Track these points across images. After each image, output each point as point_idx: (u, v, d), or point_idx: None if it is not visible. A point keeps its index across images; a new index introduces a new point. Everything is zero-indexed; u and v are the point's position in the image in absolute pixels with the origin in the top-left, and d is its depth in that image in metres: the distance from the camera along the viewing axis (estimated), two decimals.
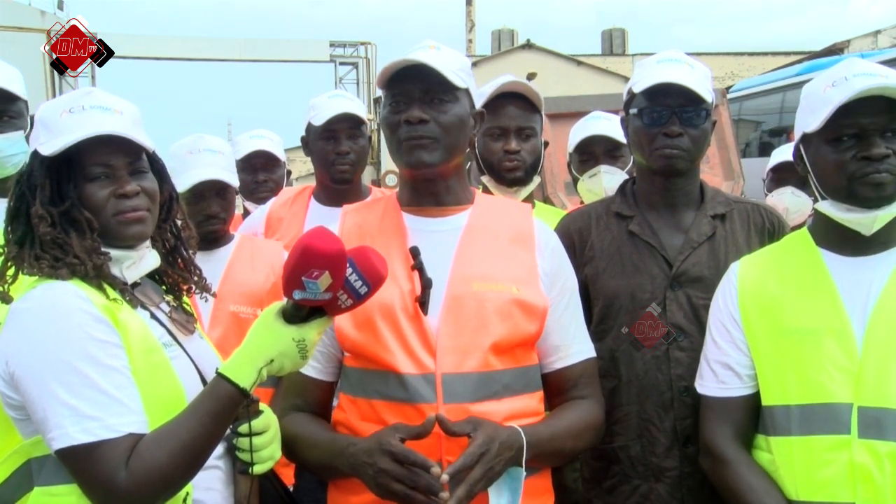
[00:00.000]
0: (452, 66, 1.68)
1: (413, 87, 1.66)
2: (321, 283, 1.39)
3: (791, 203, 3.27)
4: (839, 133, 1.66)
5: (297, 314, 1.46)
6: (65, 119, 1.51)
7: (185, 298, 1.74)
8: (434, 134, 1.66)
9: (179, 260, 1.71)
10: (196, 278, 1.73)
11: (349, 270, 1.43)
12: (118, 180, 1.52)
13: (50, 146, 1.49)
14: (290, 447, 1.73)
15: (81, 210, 1.50)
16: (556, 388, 1.77)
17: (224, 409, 1.43)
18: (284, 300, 1.46)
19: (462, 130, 1.71)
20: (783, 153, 3.42)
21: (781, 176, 3.37)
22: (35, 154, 1.52)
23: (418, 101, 1.66)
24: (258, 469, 1.58)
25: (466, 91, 1.72)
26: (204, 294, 1.76)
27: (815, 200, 1.78)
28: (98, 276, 1.48)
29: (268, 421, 1.60)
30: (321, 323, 1.48)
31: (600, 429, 1.81)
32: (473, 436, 1.52)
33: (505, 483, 1.57)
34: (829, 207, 1.72)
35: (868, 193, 1.64)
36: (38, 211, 1.48)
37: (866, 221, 1.67)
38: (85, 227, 1.49)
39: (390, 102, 1.70)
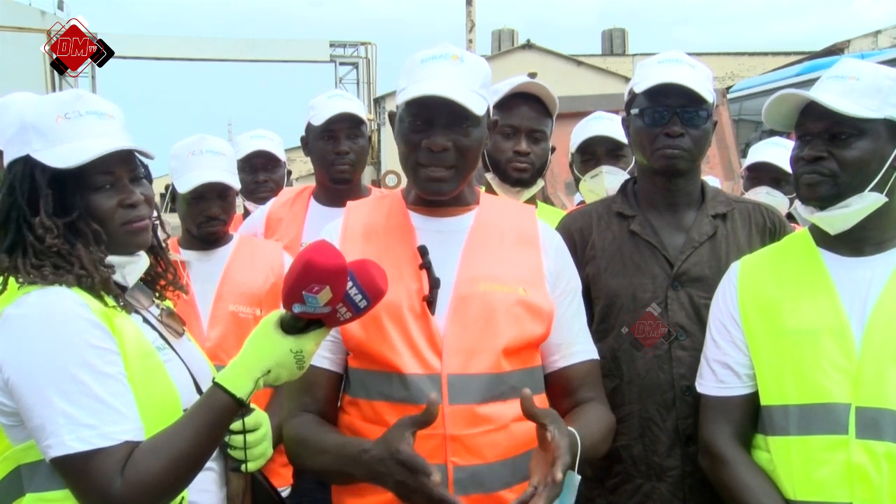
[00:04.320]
0: (475, 84, 1.65)
1: (437, 113, 1.62)
2: (321, 298, 1.38)
3: (766, 202, 3.27)
4: (798, 134, 1.75)
5: (295, 325, 1.45)
6: (62, 125, 1.47)
7: (168, 301, 1.74)
8: (452, 162, 1.64)
9: (159, 259, 1.70)
10: (171, 276, 1.71)
11: (349, 284, 1.42)
12: (122, 189, 1.52)
13: (59, 157, 1.45)
14: (296, 451, 1.70)
15: (89, 222, 1.48)
16: (561, 388, 1.76)
17: (220, 418, 1.43)
18: (282, 310, 1.46)
19: (479, 150, 1.70)
20: (759, 152, 3.41)
21: (756, 175, 3.36)
22: (28, 160, 1.47)
23: (441, 126, 1.63)
24: (251, 466, 1.59)
25: (487, 107, 1.69)
26: (178, 293, 1.72)
27: (792, 201, 1.85)
28: (104, 288, 1.48)
29: (259, 418, 1.60)
30: (319, 334, 1.47)
31: (614, 432, 1.81)
32: (557, 436, 1.45)
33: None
34: (798, 206, 1.78)
35: (802, 193, 1.73)
36: (45, 222, 1.44)
37: (819, 221, 1.73)
38: (91, 238, 1.48)
39: (410, 119, 1.66)
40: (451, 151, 1.64)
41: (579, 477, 1.53)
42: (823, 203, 1.70)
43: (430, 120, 1.64)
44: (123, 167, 1.52)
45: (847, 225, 1.70)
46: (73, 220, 1.47)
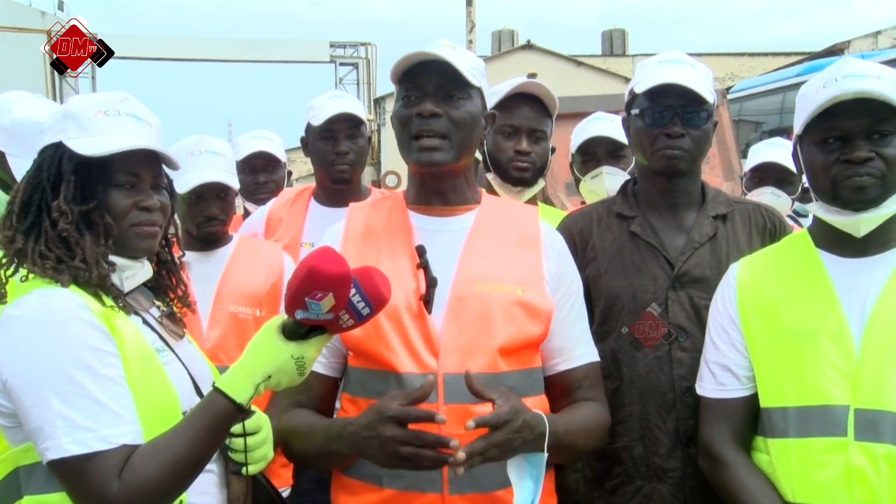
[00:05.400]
0: (467, 65, 1.67)
1: (427, 80, 1.65)
2: (324, 305, 1.39)
3: (771, 203, 3.28)
4: (825, 135, 1.66)
5: (297, 331, 1.45)
6: (100, 120, 1.51)
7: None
8: (445, 130, 1.65)
9: (170, 275, 1.71)
10: (181, 293, 1.72)
11: (353, 291, 1.42)
12: (141, 192, 1.53)
13: (88, 146, 1.48)
14: (287, 441, 1.72)
15: (104, 214, 1.49)
16: (560, 391, 1.76)
17: (219, 423, 1.43)
18: (284, 316, 1.46)
19: (473, 128, 1.70)
20: (761, 152, 3.41)
21: (760, 175, 3.36)
22: (60, 146, 1.50)
23: (431, 95, 1.65)
24: (252, 469, 1.59)
25: (479, 91, 1.72)
26: (183, 308, 1.73)
27: (794, 201, 1.79)
28: (99, 285, 1.48)
29: (259, 421, 1.60)
30: (320, 340, 1.47)
31: (607, 430, 1.81)
32: (500, 403, 1.49)
33: (526, 470, 1.56)
34: (818, 209, 1.72)
35: (850, 196, 1.64)
36: (62, 206, 1.46)
37: (852, 224, 1.67)
38: (101, 231, 1.49)
39: (403, 97, 1.68)
40: (443, 119, 1.65)
41: (545, 455, 1.55)
42: (869, 205, 1.64)
43: (421, 91, 1.65)
44: (147, 171, 1.54)
45: (874, 226, 1.66)
46: (88, 209, 1.48)
